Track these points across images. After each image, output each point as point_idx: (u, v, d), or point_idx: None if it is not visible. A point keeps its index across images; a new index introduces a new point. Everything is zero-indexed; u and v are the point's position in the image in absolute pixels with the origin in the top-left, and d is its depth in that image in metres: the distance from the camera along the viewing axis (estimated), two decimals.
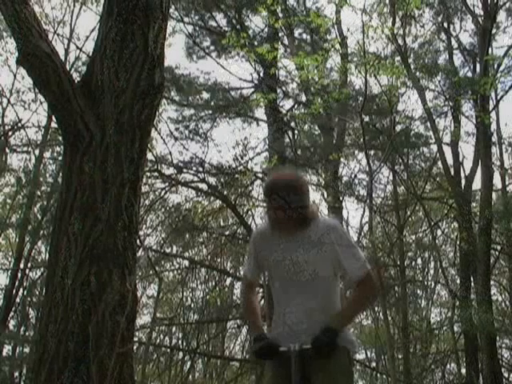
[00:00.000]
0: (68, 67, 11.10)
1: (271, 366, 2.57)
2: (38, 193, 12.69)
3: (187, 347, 15.07)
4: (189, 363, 15.63)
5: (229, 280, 16.53)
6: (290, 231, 2.58)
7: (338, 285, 2.66)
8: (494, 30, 12.18)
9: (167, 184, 12.50)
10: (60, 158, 11.90)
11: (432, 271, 17.43)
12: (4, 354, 12.05)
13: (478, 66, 12.72)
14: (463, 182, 12.60)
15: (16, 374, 12.23)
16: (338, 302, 2.64)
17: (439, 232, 15.61)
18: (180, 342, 15.91)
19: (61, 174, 3.42)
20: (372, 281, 2.58)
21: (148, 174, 11.03)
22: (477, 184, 12.31)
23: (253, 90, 13.64)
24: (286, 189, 2.52)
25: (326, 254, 2.55)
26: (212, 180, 13.06)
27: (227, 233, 14.34)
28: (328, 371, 2.44)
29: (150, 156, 10.12)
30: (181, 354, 15.50)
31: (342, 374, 2.48)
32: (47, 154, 13.31)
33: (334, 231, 2.58)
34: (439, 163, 13.36)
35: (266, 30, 13.38)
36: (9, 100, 13.10)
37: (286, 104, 14.20)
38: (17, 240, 12.84)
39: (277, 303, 2.67)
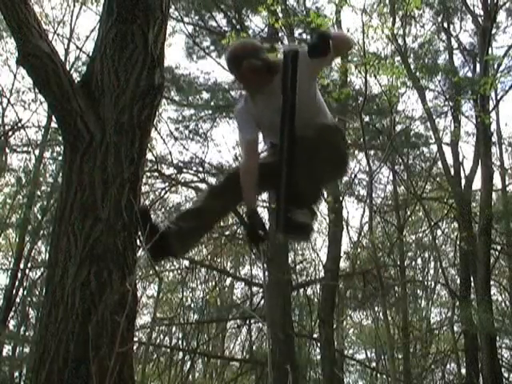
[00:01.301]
0: (68, 67, 11.10)
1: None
2: (38, 193, 12.70)
3: (187, 347, 15.08)
4: (189, 363, 15.63)
5: (229, 280, 16.56)
6: (265, 85, 2.76)
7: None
8: (494, 30, 12.17)
9: (167, 184, 12.51)
10: (60, 157, 11.91)
11: (432, 271, 17.45)
12: (4, 353, 12.06)
13: (478, 65, 12.73)
14: (463, 182, 12.60)
15: (16, 373, 12.24)
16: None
17: (439, 232, 15.62)
18: (180, 342, 15.91)
19: (61, 174, 3.42)
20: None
21: (148, 173, 11.03)
22: (477, 184, 12.32)
23: None
24: (236, 56, 2.74)
25: (305, 78, 2.68)
26: (212, 180, 13.07)
27: (227, 233, 14.35)
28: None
29: (150, 156, 10.15)
30: (181, 354, 15.50)
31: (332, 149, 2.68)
32: (47, 154, 13.33)
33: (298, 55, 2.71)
34: (439, 163, 13.37)
35: (266, 30, 13.39)
36: (9, 100, 13.12)
37: None
38: (17, 240, 12.84)
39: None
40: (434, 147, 13.45)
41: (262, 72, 2.73)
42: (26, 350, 12.49)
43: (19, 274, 12.14)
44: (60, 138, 9.81)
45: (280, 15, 11.30)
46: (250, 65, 2.71)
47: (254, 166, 2.78)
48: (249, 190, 2.75)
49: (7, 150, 12.90)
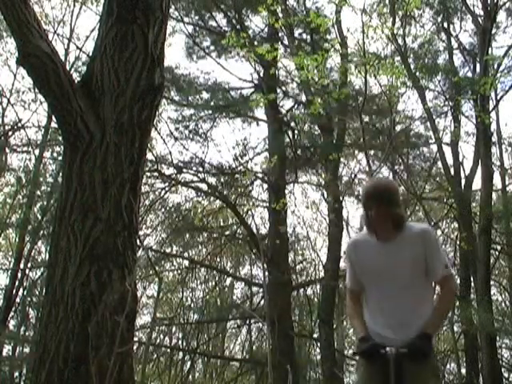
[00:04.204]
0: (68, 67, 11.09)
1: (367, 363, 2.75)
2: (38, 193, 12.69)
3: (187, 347, 15.06)
4: (189, 363, 15.63)
5: (229, 280, 16.55)
6: (387, 236, 2.75)
7: (431, 287, 2.87)
8: (494, 30, 12.16)
9: (167, 184, 12.51)
10: (60, 157, 11.90)
11: None
12: (4, 353, 12.05)
13: (478, 65, 12.71)
14: (463, 182, 12.59)
15: (16, 374, 12.23)
16: (431, 305, 2.81)
17: (439, 232, 15.60)
18: (180, 342, 15.90)
19: (61, 174, 3.42)
20: (451, 283, 2.82)
21: (148, 174, 11.03)
22: (477, 184, 12.31)
23: (253, 90, 13.65)
24: (386, 195, 2.70)
25: (420, 255, 2.72)
26: (212, 180, 13.08)
27: (227, 233, 14.34)
28: (420, 374, 2.61)
29: (150, 156, 10.14)
30: (181, 354, 15.49)
31: (432, 376, 2.67)
32: (47, 154, 13.32)
33: (427, 234, 2.78)
34: (439, 163, 13.35)
35: (266, 30, 13.38)
36: (9, 100, 13.11)
37: (286, 104, 14.23)
38: (17, 240, 12.83)
39: (373, 307, 2.82)
40: (434, 147, 13.44)
41: (390, 224, 2.71)
42: (26, 349, 12.49)
43: (19, 274, 12.13)
44: (60, 138, 9.80)
45: (280, 15, 11.30)
46: (384, 211, 2.67)
47: (356, 312, 2.90)
48: (357, 323, 2.84)
49: (7, 150, 12.90)
